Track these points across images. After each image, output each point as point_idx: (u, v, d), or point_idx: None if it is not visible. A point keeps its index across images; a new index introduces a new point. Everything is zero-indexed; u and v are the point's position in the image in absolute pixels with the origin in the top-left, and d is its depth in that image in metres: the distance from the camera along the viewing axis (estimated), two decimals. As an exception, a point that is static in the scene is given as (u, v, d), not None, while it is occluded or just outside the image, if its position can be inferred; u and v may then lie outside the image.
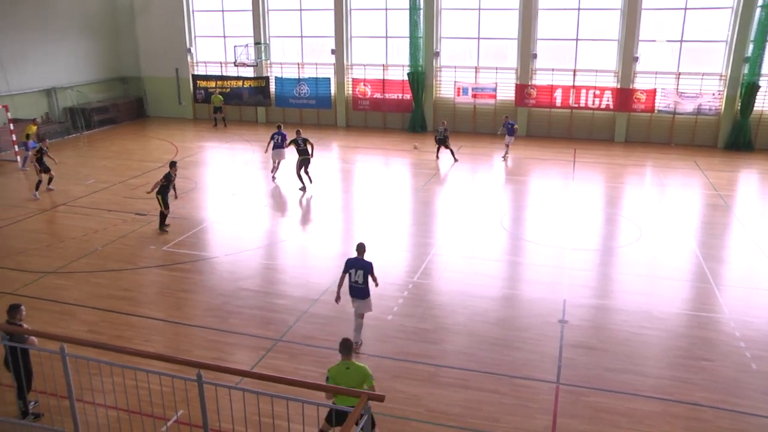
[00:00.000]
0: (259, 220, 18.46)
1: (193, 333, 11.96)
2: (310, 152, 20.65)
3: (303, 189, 20.77)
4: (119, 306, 12.92)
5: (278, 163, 22.39)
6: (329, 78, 31.63)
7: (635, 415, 9.39)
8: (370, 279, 10.75)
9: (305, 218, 18.40)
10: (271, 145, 22.00)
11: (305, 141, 20.67)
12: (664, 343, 11.47)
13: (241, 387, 6.21)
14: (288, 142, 21.32)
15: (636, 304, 12.89)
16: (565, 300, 13.07)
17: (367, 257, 10.94)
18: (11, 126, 25.50)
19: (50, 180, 21.00)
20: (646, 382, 10.20)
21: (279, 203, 20.37)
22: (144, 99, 35.23)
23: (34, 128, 24.86)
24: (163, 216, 17.21)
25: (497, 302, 13.14)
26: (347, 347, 7.63)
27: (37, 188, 20.57)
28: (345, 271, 10.81)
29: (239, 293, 13.51)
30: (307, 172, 20.86)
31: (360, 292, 10.81)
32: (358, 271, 10.70)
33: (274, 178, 22.26)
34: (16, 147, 25.30)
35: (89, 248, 16.16)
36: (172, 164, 17.40)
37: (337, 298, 10.87)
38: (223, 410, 6.78)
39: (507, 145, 25.18)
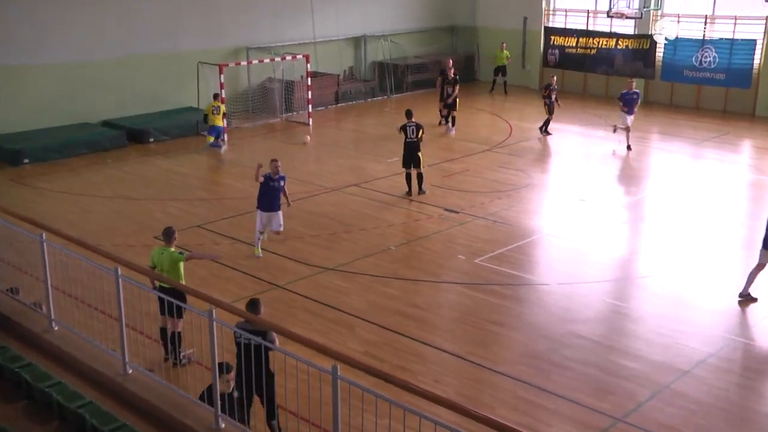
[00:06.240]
0: (614, 241, 18.26)
1: (498, 383, 12.24)
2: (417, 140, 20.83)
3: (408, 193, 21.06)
4: (408, 328, 13.71)
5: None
6: (755, 41, 29.75)
7: None
8: None
9: (684, 249, 17.65)
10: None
11: (418, 127, 20.73)
12: None
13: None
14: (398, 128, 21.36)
15: None
16: None
17: None
18: (308, 81, 28.84)
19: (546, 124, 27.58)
20: None
21: (643, 218, 20.01)
22: (476, 57, 37.01)
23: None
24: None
25: None
26: (168, 234, 12.22)
27: (545, 127, 27.42)
28: None
29: (571, 340, 13.49)
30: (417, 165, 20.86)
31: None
32: None
33: None
34: (310, 107, 28.94)
35: (380, 245, 17.50)
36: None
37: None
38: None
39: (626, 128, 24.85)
